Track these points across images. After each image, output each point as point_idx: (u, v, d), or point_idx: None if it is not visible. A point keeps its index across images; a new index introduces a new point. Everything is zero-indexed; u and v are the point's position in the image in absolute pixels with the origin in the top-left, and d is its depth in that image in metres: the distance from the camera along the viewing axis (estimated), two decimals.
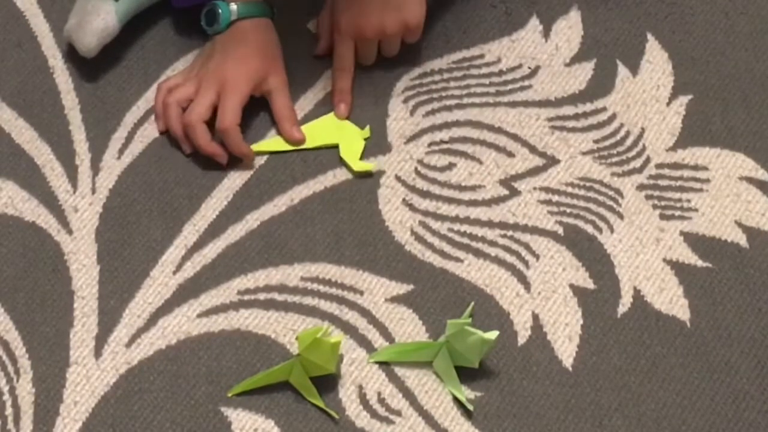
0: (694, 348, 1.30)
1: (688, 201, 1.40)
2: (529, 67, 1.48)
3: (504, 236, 1.36)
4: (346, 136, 1.41)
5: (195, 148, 1.38)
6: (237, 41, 1.39)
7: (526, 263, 1.35)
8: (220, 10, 1.39)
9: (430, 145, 1.42)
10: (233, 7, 1.39)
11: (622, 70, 1.48)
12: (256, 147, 1.40)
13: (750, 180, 1.41)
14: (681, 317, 1.32)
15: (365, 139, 1.41)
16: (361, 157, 1.40)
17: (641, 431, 1.26)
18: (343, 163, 1.39)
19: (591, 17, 1.52)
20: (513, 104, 1.45)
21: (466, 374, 1.27)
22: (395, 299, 1.32)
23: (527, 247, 1.36)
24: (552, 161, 1.41)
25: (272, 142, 1.41)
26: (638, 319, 1.32)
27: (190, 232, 1.35)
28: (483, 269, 1.34)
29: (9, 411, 1.24)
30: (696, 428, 1.26)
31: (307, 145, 1.41)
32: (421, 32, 1.43)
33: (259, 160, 1.40)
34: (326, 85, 1.45)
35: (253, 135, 1.41)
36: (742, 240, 1.37)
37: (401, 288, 1.33)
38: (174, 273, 1.33)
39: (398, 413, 1.26)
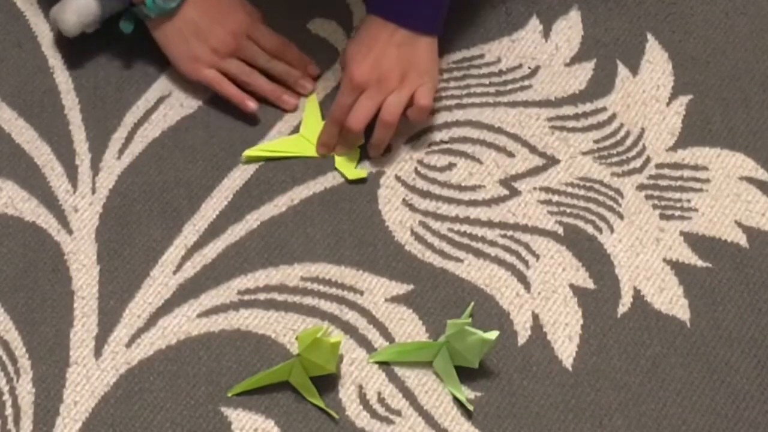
0: (694, 348, 1.30)
1: (688, 201, 1.40)
2: (529, 67, 1.48)
3: (504, 236, 1.36)
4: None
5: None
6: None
7: (526, 263, 1.35)
8: None
9: (430, 145, 1.42)
10: None
11: (622, 70, 1.48)
12: (250, 152, 1.40)
13: (750, 180, 1.41)
14: (681, 317, 1.32)
15: (360, 147, 1.41)
16: (359, 161, 1.40)
17: (641, 431, 1.26)
18: (337, 171, 1.39)
19: (591, 17, 1.52)
20: (513, 104, 1.45)
21: (466, 374, 1.27)
22: (395, 299, 1.32)
23: (527, 247, 1.36)
24: (552, 161, 1.41)
25: (268, 146, 1.40)
26: (638, 319, 1.32)
27: (190, 232, 1.35)
28: (483, 269, 1.34)
29: (9, 411, 1.24)
30: (696, 428, 1.26)
31: (301, 153, 1.41)
32: (423, 110, 1.38)
33: (259, 161, 1.40)
34: (326, 86, 1.45)
35: (251, 138, 1.41)
36: (742, 240, 1.37)
37: (401, 288, 1.33)
38: (174, 273, 1.33)
39: (398, 413, 1.26)
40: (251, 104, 1.41)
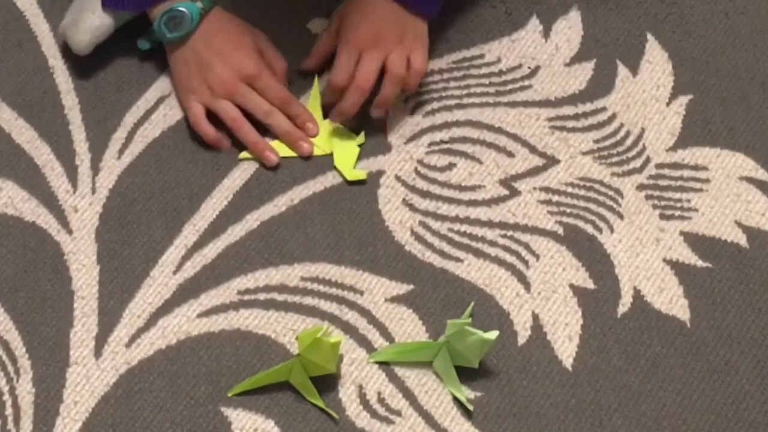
0: (694, 348, 1.30)
1: (688, 201, 1.40)
2: (529, 67, 1.48)
3: (504, 236, 1.36)
4: (341, 144, 1.41)
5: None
6: (219, 30, 1.38)
7: (526, 263, 1.35)
8: (184, 9, 1.37)
9: (430, 145, 1.42)
10: (196, 4, 1.37)
11: (622, 70, 1.48)
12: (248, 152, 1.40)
13: (750, 180, 1.41)
14: (681, 317, 1.32)
15: (360, 145, 1.41)
16: (359, 159, 1.40)
17: (641, 431, 1.26)
18: (337, 170, 1.39)
19: (591, 17, 1.52)
20: (513, 104, 1.45)
21: (466, 374, 1.27)
22: (395, 299, 1.32)
23: (527, 247, 1.36)
24: (552, 161, 1.41)
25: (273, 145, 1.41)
26: (638, 319, 1.32)
27: (190, 232, 1.35)
28: (483, 269, 1.34)
29: (9, 411, 1.24)
30: (696, 428, 1.26)
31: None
32: (419, 74, 1.40)
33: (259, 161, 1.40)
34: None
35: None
36: (742, 240, 1.37)
37: (401, 288, 1.33)
38: (174, 273, 1.33)
39: (398, 413, 1.26)
40: (225, 144, 1.39)
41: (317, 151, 1.40)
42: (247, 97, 1.38)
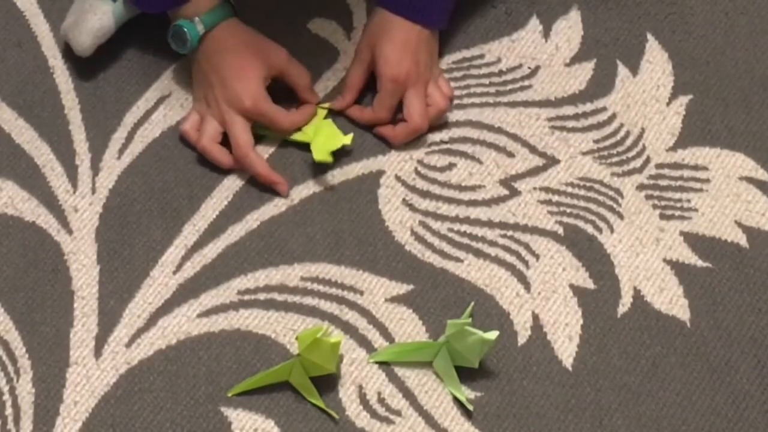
0: (694, 348, 1.30)
1: (688, 201, 1.40)
2: (529, 67, 1.48)
3: (504, 236, 1.36)
4: (325, 135, 1.39)
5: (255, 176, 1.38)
6: (222, 52, 1.37)
7: (526, 263, 1.35)
8: (185, 29, 1.36)
9: (430, 145, 1.42)
10: (196, 20, 1.36)
11: (622, 70, 1.48)
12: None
13: (750, 180, 1.41)
14: (681, 317, 1.32)
15: (346, 146, 1.38)
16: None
17: (641, 431, 1.26)
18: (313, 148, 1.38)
19: (591, 17, 1.52)
20: (513, 104, 1.45)
21: (466, 374, 1.27)
22: (395, 299, 1.32)
23: (527, 247, 1.36)
24: (552, 161, 1.41)
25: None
26: (638, 319, 1.32)
27: (190, 232, 1.35)
28: (483, 269, 1.34)
29: (9, 411, 1.24)
30: (696, 428, 1.26)
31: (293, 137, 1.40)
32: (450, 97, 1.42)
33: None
34: (327, 86, 1.45)
35: None
36: (742, 240, 1.37)
37: (401, 288, 1.33)
38: (174, 273, 1.33)
39: (398, 413, 1.26)
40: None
41: (299, 136, 1.39)
42: (231, 129, 1.36)
